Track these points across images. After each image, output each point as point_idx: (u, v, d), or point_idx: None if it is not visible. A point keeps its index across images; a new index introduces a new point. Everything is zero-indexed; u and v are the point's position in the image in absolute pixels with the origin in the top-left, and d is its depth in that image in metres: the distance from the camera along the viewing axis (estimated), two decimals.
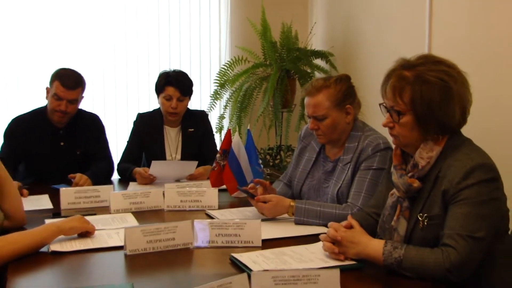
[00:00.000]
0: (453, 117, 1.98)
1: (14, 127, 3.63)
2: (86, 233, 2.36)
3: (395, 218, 2.08)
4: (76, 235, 2.34)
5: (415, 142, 2.04)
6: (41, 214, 2.75)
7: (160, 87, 3.77)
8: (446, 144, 2.02)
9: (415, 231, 2.03)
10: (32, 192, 3.16)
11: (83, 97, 3.66)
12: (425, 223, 1.99)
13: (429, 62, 2.02)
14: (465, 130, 2.08)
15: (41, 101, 3.72)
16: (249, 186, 2.84)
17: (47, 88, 3.60)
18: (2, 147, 3.63)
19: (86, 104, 4.58)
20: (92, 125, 3.80)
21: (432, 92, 1.95)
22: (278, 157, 4.95)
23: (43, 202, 3.01)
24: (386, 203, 2.15)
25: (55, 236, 2.25)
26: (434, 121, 1.98)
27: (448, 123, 1.98)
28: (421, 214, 2.01)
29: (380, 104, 2.10)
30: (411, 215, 2.05)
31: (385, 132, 2.59)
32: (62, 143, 3.66)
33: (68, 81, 3.52)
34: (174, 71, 3.84)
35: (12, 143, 3.58)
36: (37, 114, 3.66)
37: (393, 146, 2.18)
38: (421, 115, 1.98)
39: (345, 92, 2.74)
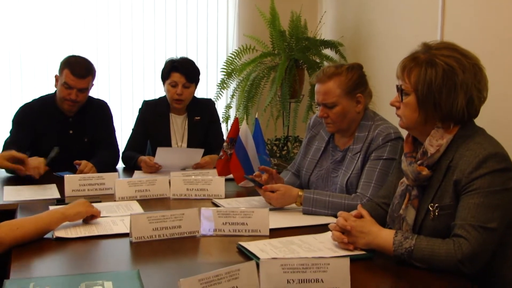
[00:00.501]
0: (454, 106, 1.94)
1: (23, 114, 3.59)
2: (91, 217, 2.33)
3: (403, 206, 2.06)
4: (81, 221, 2.31)
5: (417, 125, 2.02)
6: (46, 202, 2.72)
7: (165, 73, 3.73)
8: (457, 133, 1.98)
9: (425, 221, 2.00)
10: (39, 182, 3.12)
11: (93, 84, 3.62)
12: (436, 213, 1.96)
13: (446, 47, 1.99)
14: (477, 121, 2.05)
15: (46, 89, 3.68)
16: (255, 174, 2.80)
17: (56, 76, 3.56)
18: (11, 133, 3.58)
19: (91, 91, 4.57)
20: (101, 113, 3.76)
21: (435, 75, 1.93)
22: (285, 148, 4.90)
23: (50, 191, 2.96)
24: (396, 192, 2.13)
25: (60, 222, 2.22)
26: (434, 105, 1.95)
27: (449, 110, 1.94)
28: (432, 204, 1.98)
29: (396, 86, 2.08)
30: (421, 205, 2.02)
31: (395, 121, 2.56)
32: (71, 131, 3.62)
33: (79, 70, 3.47)
34: (181, 58, 3.80)
35: (21, 129, 3.54)
36: (46, 102, 3.62)
37: (404, 136, 2.15)
38: (422, 97, 1.96)
39: (357, 81, 2.69)
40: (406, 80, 2.00)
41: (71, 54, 3.64)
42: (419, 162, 2.01)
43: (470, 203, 1.86)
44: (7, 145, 3.47)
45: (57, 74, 3.55)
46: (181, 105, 3.76)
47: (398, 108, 2.07)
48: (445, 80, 1.92)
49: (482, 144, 1.92)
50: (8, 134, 3.60)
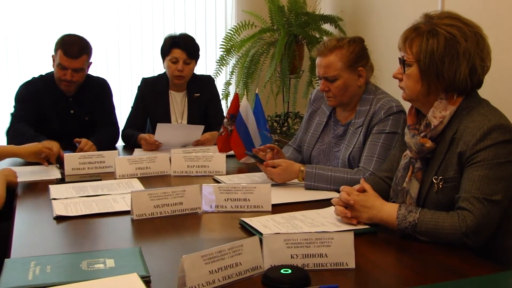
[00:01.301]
0: (457, 75, 1.91)
1: (26, 91, 3.54)
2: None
3: (407, 179, 2.04)
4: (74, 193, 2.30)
5: (420, 96, 1.99)
6: (47, 182, 2.70)
7: (166, 49, 3.69)
8: (461, 104, 1.95)
9: (429, 194, 1.98)
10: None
11: (91, 63, 3.57)
12: (440, 186, 1.94)
13: (447, 17, 1.96)
14: (480, 92, 2.02)
15: (44, 68, 3.63)
16: (259, 148, 2.76)
17: (52, 56, 3.52)
18: (16, 109, 3.53)
19: (89, 71, 4.52)
20: (100, 91, 3.72)
21: (437, 44, 1.91)
22: (286, 124, 4.88)
23: (53, 172, 2.91)
24: (399, 165, 2.11)
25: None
26: (436, 75, 1.93)
27: (452, 80, 1.92)
28: (435, 177, 1.96)
29: (398, 58, 2.05)
30: (425, 177, 2.00)
31: (397, 95, 2.53)
32: (72, 111, 3.58)
33: (71, 50, 3.41)
34: (181, 34, 3.76)
35: (26, 106, 3.50)
36: (47, 81, 3.57)
37: (406, 109, 2.12)
38: (424, 67, 1.94)
39: (358, 54, 2.66)
40: (408, 51, 1.97)
41: (65, 33, 3.57)
42: (422, 134, 1.98)
43: (474, 175, 1.85)
44: (17, 121, 3.44)
45: (53, 54, 3.51)
46: (182, 81, 3.72)
47: (400, 80, 2.04)
48: (447, 49, 1.90)
49: (486, 116, 1.89)
50: (8, 115, 3.57)
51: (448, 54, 1.90)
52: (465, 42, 1.90)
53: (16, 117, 3.49)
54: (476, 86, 1.98)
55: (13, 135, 3.39)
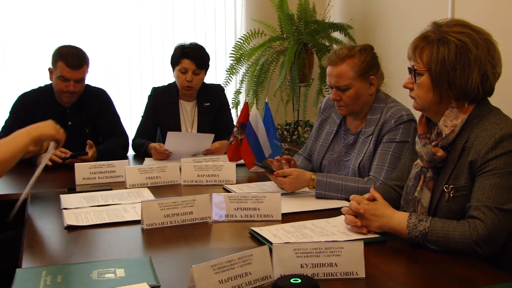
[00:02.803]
0: (469, 82, 1.90)
1: (20, 104, 3.53)
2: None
3: (418, 188, 2.03)
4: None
5: (432, 105, 1.98)
6: (56, 190, 2.71)
7: (175, 59, 3.70)
8: (472, 112, 1.94)
9: (440, 203, 1.97)
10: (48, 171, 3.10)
11: (88, 71, 3.54)
12: (451, 195, 1.93)
13: (456, 24, 1.96)
14: (491, 99, 2.01)
15: (43, 79, 3.62)
16: (276, 159, 2.73)
17: (49, 69, 3.50)
18: (6, 123, 3.51)
19: (99, 80, 4.53)
20: (99, 101, 3.69)
21: (448, 52, 1.90)
22: (296, 132, 4.88)
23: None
24: (410, 174, 2.10)
25: (27, 144, 2.27)
26: (448, 83, 1.91)
27: (464, 87, 1.90)
28: (446, 186, 1.95)
29: (408, 68, 2.04)
30: (436, 186, 1.99)
31: (407, 103, 2.52)
32: (69, 123, 3.55)
33: (73, 61, 3.40)
34: (191, 43, 3.77)
35: (18, 120, 3.47)
36: (44, 93, 3.55)
37: (417, 118, 2.12)
38: (435, 76, 1.92)
39: (370, 62, 2.66)
40: (418, 60, 1.97)
41: (61, 45, 3.53)
42: (433, 143, 1.97)
43: (485, 184, 1.84)
44: (5, 135, 3.39)
45: (51, 67, 3.49)
46: (191, 91, 3.74)
47: (411, 89, 2.03)
48: (459, 57, 1.89)
49: (498, 124, 1.88)
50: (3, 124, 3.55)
51: (459, 62, 1.89)
52: (476, 49, 1.89)
53: (4, 130, 3.45)
54: (488, 93, 1.97)
55: None
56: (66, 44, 3.56)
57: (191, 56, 3.65)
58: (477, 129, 1.91)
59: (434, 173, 1.99)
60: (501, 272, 1.71)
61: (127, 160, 3.18)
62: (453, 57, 1.89)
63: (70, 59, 3.41)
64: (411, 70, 2.00)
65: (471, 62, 1.89)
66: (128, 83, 5.02)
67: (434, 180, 1.99)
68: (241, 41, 4.83)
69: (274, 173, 2.60)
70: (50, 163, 3.14)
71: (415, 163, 2.08)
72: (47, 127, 2.36)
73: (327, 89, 2.82)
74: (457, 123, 1.94)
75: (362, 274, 1.64)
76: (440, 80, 1.92)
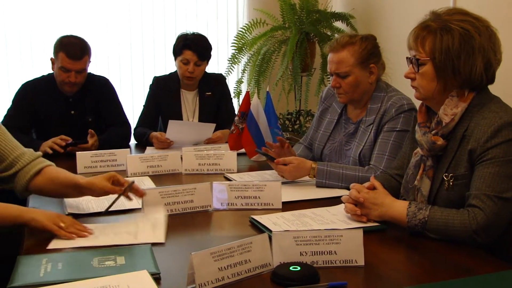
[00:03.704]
0: (473, 70, 1.90)
1: (23, 93, 3.54)
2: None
3: (418, 177, 2.03)
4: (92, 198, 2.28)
5: (436, 95, 1.97)
6: None
7: (177, 50, 3.70)
8: (472, 101, 1.94)
9: (440, 191, 1.97)
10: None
11: (90, 61, 3.54)
12: (451, 183, 1.93)
13: (456, 13, 1.95)
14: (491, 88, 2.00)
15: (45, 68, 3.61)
16: (267, 143, 2.76)
17: (51, 59, 3.50)
18: (9, 112, 3.53)
19: (101, 69, 4.53)
20: (102, 90, 3.69)
21: (452, 40, 1.89)
22: (298, 122, 4.88)
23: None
24: (410, 163, 2.10)
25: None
26: (452, 72, 1.91)
27: (468, 75, 1.90)
28: (446, 174, 1.95)
29: (407, 58, 2.03)
30: (435, 175, 1.99)
31: (408, 93, 2.52)
32: (72, 112, 3.57)
33: (74, 51, 3.40)
34: (193, 33, 3.75)
35: (21, 108, 3.50)
36: (47, 82, 3.56)
37: (417, 107, 2.11)
38: (439, 64, 1.92)
39: (371, 51, 2.65)
40: (420, 49, 1.96)
41: (63, 35, 3.53)
42: (433, 131, 1.97)
43: (485, 172, 1.84)
44: (9, 129, 3.40)
45: (52, 57, 3.49)
46: (192, 81, 3.74)
47: (413, 79, 2.02)
48: (463, 45, 1.88)
49: (497, 113, 1.88)
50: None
51: (463, 50, 1.88)
52: (479, 37, 1.89)
53: (7, 119, 3.47)
54: (490, 81, 1.96)
55: None
56: (68, 34, 3.56)
57: (193, 48, 3.64)
58: (477, 118, 1.91)
59: (434, 162, 1.99)
60: (500, 261, 1.72)
61: (128, 149, 3.18)
62: (458, 45, 1.88)
63: (71, 49, 3.40)
64: (413, 60, 1.99)
65: (475, 50, 1.89)
66: (130, 73, 5.01)
67: (434, 168, 1.99)
68: (243, 31, 4.82)
69: (275, 160, 2.60)
70: (50, 151, 3.16)
71: (414, 151, 2.09)
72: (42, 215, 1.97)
73: (329, 79, 2.81)
74: (457, 111, 1.93)
75: (361, 262, 1.65)
76: (444, 69, 1.92)
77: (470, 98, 1.94)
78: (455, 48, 1.89)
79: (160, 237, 1.90)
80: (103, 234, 1.95)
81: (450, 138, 1.96)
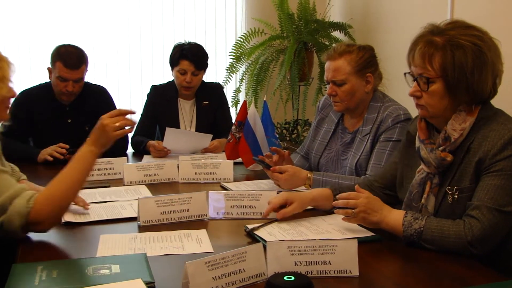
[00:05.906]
0: (485, 85, 1.87)
1: (21, 101, 3.49)
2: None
3: (425, 195, 1.97)
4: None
5: (444, 112, 1.92)
6: None
7: (174, 60, 3.70)
8: (479, 115, 1.91)
9: (442, 205, 1.94)
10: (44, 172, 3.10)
11: (87, 70, 3.54)
12: (455, 196, 1.90)
13: (459, 26, 1.91)
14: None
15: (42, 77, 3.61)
16: (265, 155, 2.78)
17: (48, 68, 3.50)
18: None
19: (100, 78, 4.53)
20: (99, 99, 3.68)
21: (465, 57, 1.84)
22: (295, 131, 4.89)
23: None
24: (413, 181, 2.03)
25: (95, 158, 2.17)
26: (466, 89, 1.86)
27: (480, 91, 1.87)
28: (449, 187, 1.91)
29: (405, 73, 1.98)
30: (439, 189, 1.96)
31: (405, 103, 2.53)
32: (69, 120, 3.57)
33: (71, 61, 3.39)
34: (189, 43, 3.75)
35: (18, 117, 3.45)
36: (44, 90, 3.56)
37: (417, 118, 2.08)
38: (453, 82, 1.86)
39: (368, 60, 2.67)
40: (428, 67, 1.88)
41: (60, 44, 3.52)
42: (441, 148, 1.92)
43: (489, 184, 1.82)
44: (6, 136, 3.35)
45: (50, 66, 3.48)
46: (190, 91, 3.74)
47: (419, 97, 1.94)
48: (476, 60, 1.84)
49: (506, 125, 1.86)
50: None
51: (477, 66, 1.85)
52: (489, 52, 1.86)
53: (4, 127, 3.45)
54: (494, 94, 1.94)
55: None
56: (65, 43, 3.56)
57: (190, 58, 3.64)
58: (483, 130, 1.88)
59: (440, 179, 1.95)
60: (495, 272, 1.71)
61: (125, 157, 3.18)
62: (471, 62, 1.84)
63: (69, 59, 3.40)
64: (420, 78, 1.91)
65: (487, 65, 1.86)
66: (128, 81, 5.03)
67: (439, 185, 1.96)
68: (241, 40, 4.84)
69: (271, 168, 2.60)
70: (51, 159, 3.16)
71: (418, 169, 2.02)
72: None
73: (326, 88, 2.82)
74: (465, 126, 1.90)
75: (355, 272, 1.65)
76: (457, 86, 1.86)
77: (477, 112, 1.91)
78: (469, 65, 1.84)
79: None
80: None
81: (455, 152, 1.93)
